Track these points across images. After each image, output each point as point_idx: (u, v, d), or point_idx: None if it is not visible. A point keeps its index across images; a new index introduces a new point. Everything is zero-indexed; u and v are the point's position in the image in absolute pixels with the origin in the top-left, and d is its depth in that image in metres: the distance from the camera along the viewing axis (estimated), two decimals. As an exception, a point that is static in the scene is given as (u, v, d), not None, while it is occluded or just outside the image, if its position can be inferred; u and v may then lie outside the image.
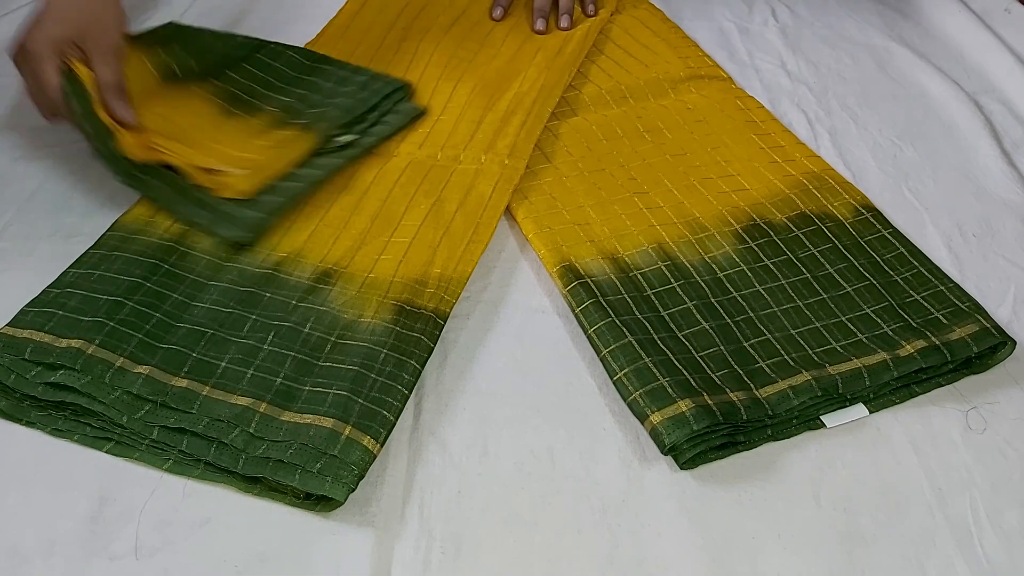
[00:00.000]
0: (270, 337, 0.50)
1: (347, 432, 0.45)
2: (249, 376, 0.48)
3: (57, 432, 0.47)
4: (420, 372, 0.49)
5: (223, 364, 0.49)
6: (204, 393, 0.47)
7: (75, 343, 0.48)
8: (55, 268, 0.54)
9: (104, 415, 0.46)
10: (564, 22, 0.80)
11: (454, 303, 0.54)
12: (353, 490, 0.43)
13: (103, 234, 0.57)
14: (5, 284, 0.55)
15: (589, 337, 0.51)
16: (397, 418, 0.47)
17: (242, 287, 0.53)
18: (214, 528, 0.43)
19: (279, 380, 0.48)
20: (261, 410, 0.46)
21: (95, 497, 0.44)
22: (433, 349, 0.51)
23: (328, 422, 0.45)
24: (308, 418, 0.46)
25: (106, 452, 0.46)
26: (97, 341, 0.48)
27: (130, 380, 0.47)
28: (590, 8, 0.82)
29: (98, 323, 0.49)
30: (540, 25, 0.79)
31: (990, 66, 0.75)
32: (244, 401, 0.47)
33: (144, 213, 0.58)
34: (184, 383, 0.47)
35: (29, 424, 0.47)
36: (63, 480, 0.45)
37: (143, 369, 0.48)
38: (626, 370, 0.48)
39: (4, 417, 0.47)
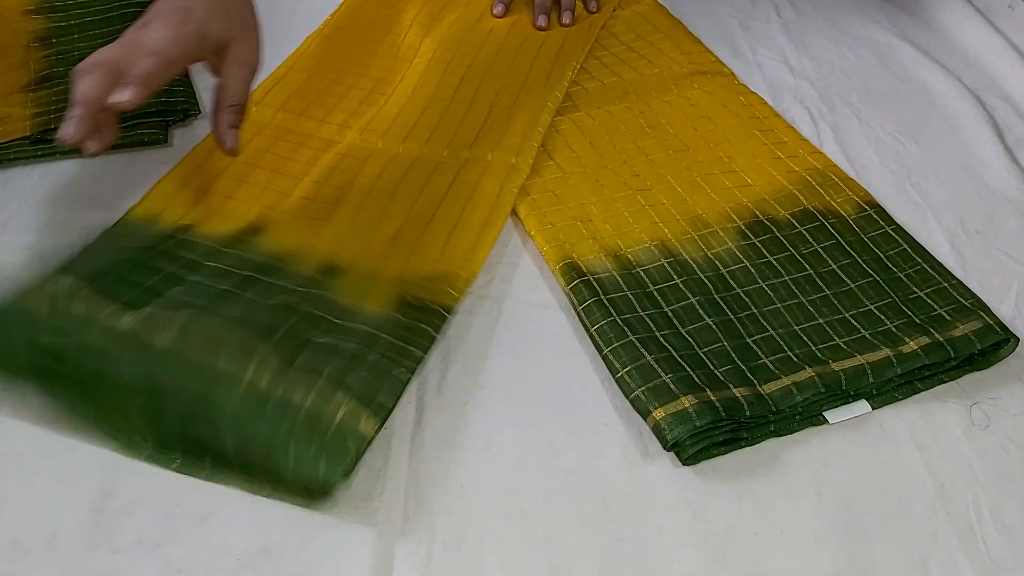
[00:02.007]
0: (265, 313, 0.48)
1: (341, 414, 0.43)
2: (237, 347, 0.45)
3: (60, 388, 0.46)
4: (421, 360, 0.49)
5: (207, 334, 0.46)
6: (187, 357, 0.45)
7: (68, 284, 0.47)
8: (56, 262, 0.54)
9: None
10: (566, 18, 0.80)
11: (460, 298, 0.53)
12: (349, 471, 0.42)
13: (111, 227, 0.56)
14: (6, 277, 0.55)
15: (591, 335, 0.51)
16: (394, 403, 0.46)
17: (241, 271, 0.52)
18: (217, 521, 0.43)
19: (273, 356, 0.45)
20: (254, 382, 0.44)
21: (97, 490, 0.44)
22: (436, 340, 0.50)
23: (324, 404, 0.44)
24: (301, 398, 0.44)
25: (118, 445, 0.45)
26: (83, 292, 0.47)
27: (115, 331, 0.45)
28: (592, 4, 0.82)
29: (93, 274, 0.48)
30: (542, 22, 0.79)
31: (993, 63, 0.75)
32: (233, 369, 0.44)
33: (148, 212, 0.58)
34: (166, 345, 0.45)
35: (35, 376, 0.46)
36: (65, 473, 0.45)
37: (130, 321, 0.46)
38: (628, 368, 0.48)
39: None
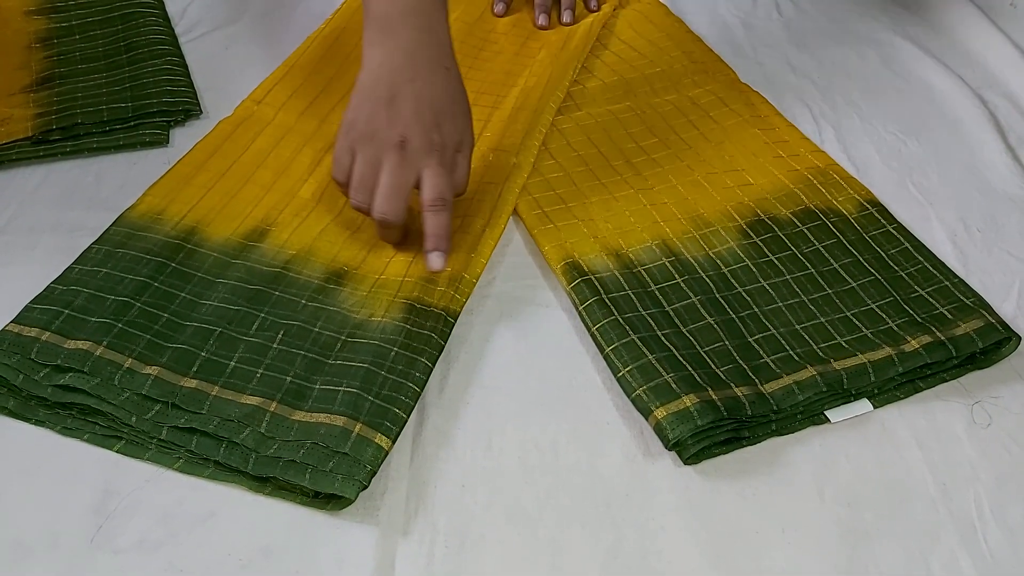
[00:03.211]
0: (279, 336, 0.50)
1: (358, 429, 0.45)
2: (259, 375, 0.48)
3: (66, 431, 0.47)
4: (431, 369, 0.49)
5: (232, 363, 0.49)
6: (213, 393, 0.47)
7: (83, 344, 0.48)
8: (58, 262, 0.54)
9: (113, 415, 0.46)
10: (567, 17, 0.80)
11: (464, 301, 0.54)
12: (365, 487, 0.43)
13: (107, 229, 0.57)
14: (8, 278, 0.55)
15: (592, 335, 0.51)
16: (408, 415, 0.47)
17: (251, 285, 0.53)
18: (218, 522, 0.43)
19: (289, 379, 0.48)
20: (272, 410, 0.46)
21: (99, 490, 0.44)
22: (444, 346, 0.51)
23: (339, 420, 0.45)
24: (319, 417, 0.46)
25: (116, 451, 0.46)
26: (105, 342, 0.48)
27: (139, 381, 0.47)
28: (593, 3, 0.81)
29: (106, 324, 0.49)
30: (543, 20, 0.79)
31: (995, 61, 0.75)
32: (254, 401, 0.46)
33: (151, 209, 0.58)
34: (193, 383, 0.47)
35: (38, 423, 0.47)
36: (67, 473, 0.45)
37: (152, 370, 0.47)
38: (630, 367, 0.48)
39: (12, 416, 0.47)
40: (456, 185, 0.55)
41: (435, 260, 0.53)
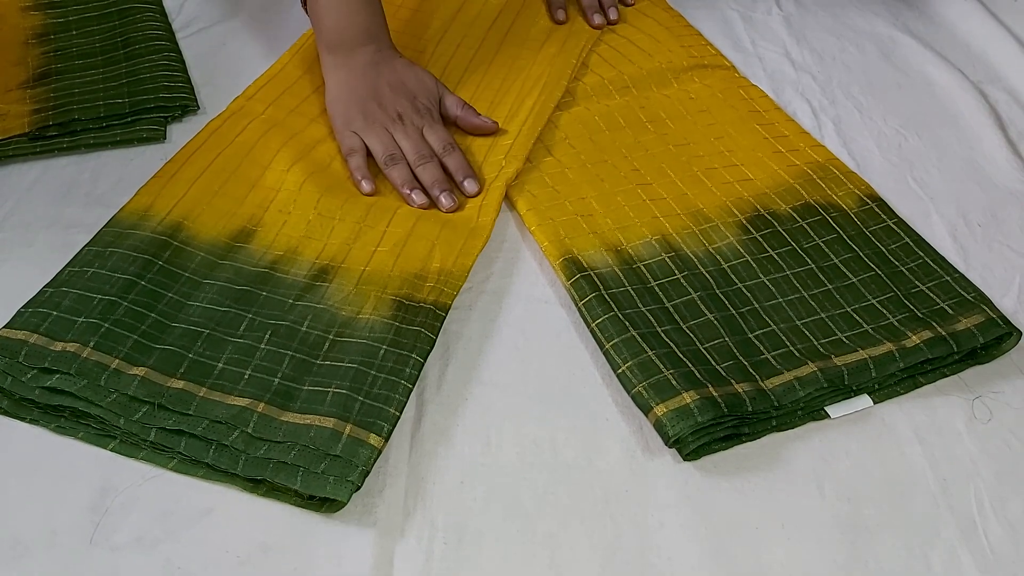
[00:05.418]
0: (267, 336, 0.50)
1: (348, 431, 0.44)
2: (247, 376, 0.48)
3: (60, 430, 0.46)
4: (422, 365, 0.49)
5: (220, 364, 0.48)
6: (201, 395, 0.46)
7: (71, 347, 0.48)
8: (55, 259, 0.54)
9: (102, 417, 0.46)
10: (598, 19, 0.77)
11: (455, 295, 0.53)
12: (358, 488, 0.43)
13: (100, 230, 0.56)
14: (4, 275, 0.55)
15: (592, 331, 0.51)
16: (400, 412, 0.46)
17: (238, 285, 0.53)
18: (216, 519, 0.43)
19: (277, 380, 0.48)
20: (259, 410, 0.46)
21: (97, 487, 0.44)
22: (434, 342, 0.50)
23: (329, 422, 0.45)
24: (308, 418, 0.45)
25: (110, 451, 0.46)
26: (92, 343, 0.48)
27: (126, 382, 0.46)
28: (612, 13, 0.79)
29: (93, 324, 0.49)
30: (560, 16, 0.78)
31: (996, 55, 0.75)
32: (242, 402, 0.46)
33: (139, 206, 0.58)
34: (180, 384, 0.47)
35: (32, 422, 0.47)
36: (65, 471, 0.45)
37: (139, 371, 0.47)
38: (630, 363, 0.48)
39: (6, 415, 0.47)
40: (448, 135, 0.64)
41: (470, 185, 0.61)
